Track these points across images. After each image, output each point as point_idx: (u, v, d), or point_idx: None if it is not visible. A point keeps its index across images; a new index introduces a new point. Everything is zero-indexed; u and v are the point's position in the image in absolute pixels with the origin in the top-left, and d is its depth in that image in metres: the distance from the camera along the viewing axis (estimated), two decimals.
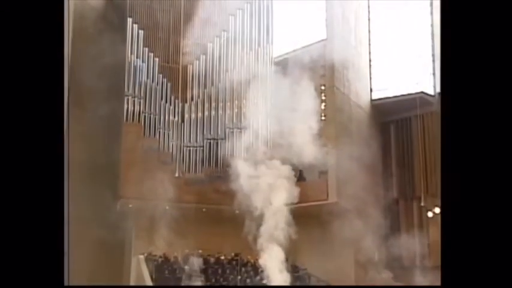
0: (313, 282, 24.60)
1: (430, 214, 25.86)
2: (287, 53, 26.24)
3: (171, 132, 25.22)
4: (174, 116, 25.47)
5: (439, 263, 20.70)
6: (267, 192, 13.40)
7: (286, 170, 17.03)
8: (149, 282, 22.56)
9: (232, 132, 25.24)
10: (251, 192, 13.29)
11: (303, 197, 20.69)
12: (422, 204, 26.07)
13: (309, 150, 22.03)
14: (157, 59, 25.53)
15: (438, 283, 20.84)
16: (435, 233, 26.11)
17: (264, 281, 13.81)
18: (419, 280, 22.89)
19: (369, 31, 28.53)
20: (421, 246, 26.33)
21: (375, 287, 7.55)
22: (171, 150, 25.10)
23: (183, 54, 26.19)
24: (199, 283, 20.67)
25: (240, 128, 25.09)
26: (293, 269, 22.01)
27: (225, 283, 23.45)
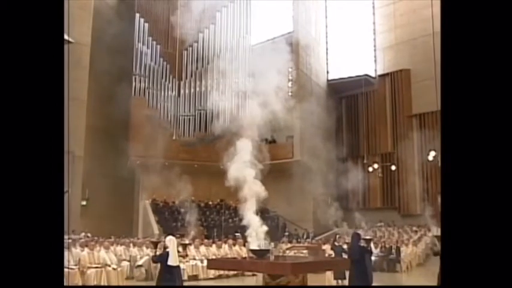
0: (280, 222, 24.67)
1: (370, 169, 26.02)
2: (262, 42, 26.24)
3: (169, 104, 25.41)
4: (172, 91, 25.66)
5: (376, 205, 20.70)
6: (244, 152, 13.09)
7: (261, 134, 16.88)
8: (153, 221, 22.53)
9: (218, 104, 25.34)
10: (233, 152, 13.02)
11: (273, 156, 20.74)
12: (364, 161, 26.18)
13: (278, 119, 21.91)
14: (159, 46, 25.67)
15: (376, 221, 20.72)
16: (373, 183, 26.44)
17: (243, 221, 13.63)
18: (359, 217, 23.11)
19: (326, 25, 28.84)
20: (362, 194, 26.52)
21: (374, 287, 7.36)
22: (169, 119, 25.33)
23: (179, 42, 26.33)
24: (192, 222, 20.57)
25: (225, 101, 25.25)
26: (265, 211, 22.10)
27: (212, 222, 23.49)
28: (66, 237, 15.45)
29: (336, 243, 15.61)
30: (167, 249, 9.15)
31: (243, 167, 12.71)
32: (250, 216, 13.01)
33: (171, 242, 9.29)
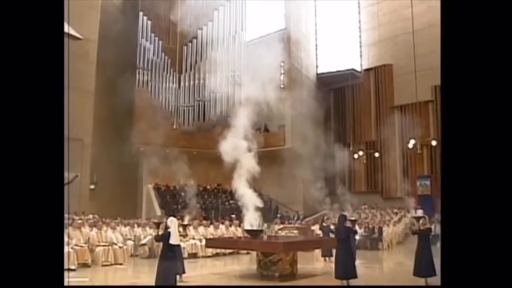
0: (273, 205, 24.74)
1: (355, 156, 26.14)
2: (256, 38, 26.11)
3: (170, 96, 25.31)
4: (173, 84, 25.53)
5: (360, 189, 20.74)
6: (240, 139, 13.12)
7: (255, 123, 16.93)
8: (156, 204, 22.56)
9: (216, 95, 25.34)
10: (229, 139, 13.05)
11: (266, 143, 20.82)
12: (350, 149, 26.28)
13: (271, 110, 21.97)
14: (160, 42, 25.50)
15: (361, 204, 20.70)
16: (358, 169, 26.62)
17: (239, 203, 13.71)
18: (345, 200, 23.24)
19: (316, 23, 28.77)
20: (348, 178, 26.63)
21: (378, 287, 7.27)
22: (170, 109, 25.24)
23: (179, 38, 26.18)
24: (192, 204, 20.62)
25: (221, 93, 25.26)
26: (258, 194, 22.08)
27: (210, 205, 23.54)
28: (76, 217, 15.55)
29: (324, 224, 15.73)
30: (169, 229, 9.18)
31: (238, 146, 12.86)
32: (245, 199, 13.12)
33: (172, 222, 9.32)
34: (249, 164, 12.95)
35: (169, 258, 9.01)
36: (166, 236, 9.12)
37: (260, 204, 13.17)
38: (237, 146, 12.99)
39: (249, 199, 13.06)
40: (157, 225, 9.96)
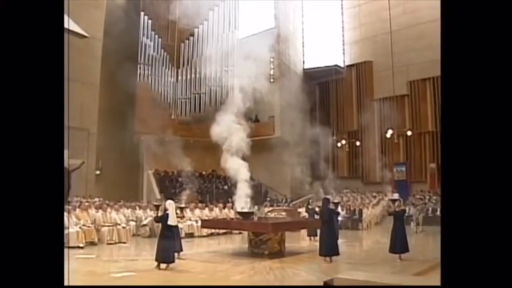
0: (263, 189, 24.80)
1: (339, 144, 26.20)
2: (248, 36, 25.92)
3: (169, 89, 25.14)
4: (171, 78, 25.33)
5: (343, 175, 20.83)
6: (233, 129, 13.11)
7: (247, 113, 16.88)
8: (156, 188, 22.54)
9: (210, 89, 25.24)
10: (223, 129, 13.03)
11: (257, 133, 20.78)
12: (334, 138, 26.34)
13: (262, 101, 21.99)
14: (160, 39, 25.26)
15: (343, 188, 20.77)
16: (341, 156, 26.77)
17: (232, 188, 13.76)
18: (329, 184, 23.38)
19: (302, 22, 28.57)
20: (332, 165, 26.73)
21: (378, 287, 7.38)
22: (169, 101, 25.07)
23: (178, 35, 25.94)
24: (188, 188, 20.62)
25: (216, 86, 25.16)
26: (250, 180, 22.13)
27: (205, 189, 23.56)
28: (84, 200, 15.54)
29: (310, 207, 15.85)
30: (167, 211, 9.24)
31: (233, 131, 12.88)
32: (238, 184, 13.16)
33: (170, 205, 9.39)
34: (240, 152, 12.99)
35: (168, 238, 9.07)
36: (165, 217, 9.19)
37: (251, 188, 13.23)
38: (229, 135, 13.02)
39: (240, 184, 13.12)
40: (157, 207, 10.01)
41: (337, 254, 9.90)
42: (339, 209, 12.62)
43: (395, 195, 11.15)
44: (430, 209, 20.84)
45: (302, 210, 19.73)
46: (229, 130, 13.07)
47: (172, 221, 9.23)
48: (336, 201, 13.02)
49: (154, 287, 5.80)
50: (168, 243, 9.02)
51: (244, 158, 13.14)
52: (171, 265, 8.87)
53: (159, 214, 9.56)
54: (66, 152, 4.31)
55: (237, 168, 13.02)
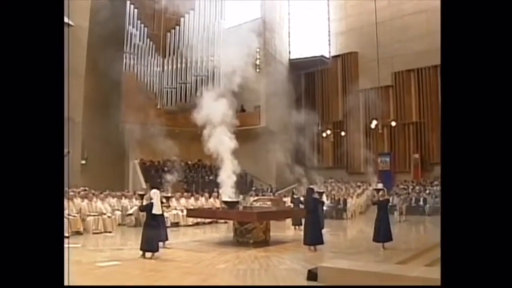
0: (248, 178, 24.83)
1: (324, 134, 26.36)
2: (235, 26, 25.68)
3: (155, 78, 24.91)
4: (157, 67, 25.09)
5: (328, 165, 20.91)
6: (219, 120, 13.07)
7: (233, 104, 16.80)
8: (141, 178, 22.44)
9: (196, 78, 25.08)
10: (208, 119, 12.99)
11: (243, 123, 20.71)
12: (319, 128, 26.47)
13: (248, 91, 21.99)
14: (146, 29, 24.94)
15: (328, 178, 20.82)
16: (326, 146, 26.95)
17: (217, 178, 13.74)
18: (314, 174, 23.52)
19: (289, 13, 28.58)
20: (317, 155, 26.86)
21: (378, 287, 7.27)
22: (155, 90, 24.85)
23: (164, 25, 25.67)
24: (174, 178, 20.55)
25: (202, 76, 25.00)
26: (236, 170, 22.13)
27: (191, 178, 23.53)
28: (69, 190, 15.39)
29: (295, 196, 15.90)
30: (152, 201, 9.23)
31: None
32: (223, 174, 13.16)
33: (155, 194, 9.39)
34: (226, 141, 12.97)
35: (153, 227, 9.07)
36: (150, 206, 9.18)
37: (236, 177, 13.24)
38: (215, 124, 12.99)
39: (226, 173, 13.12)
40: (142, 196, 9.98)
41: (322, 243, 9.98)
42: (324, 198, 12.71)
43: (380, 185, 11.24)
44: (414, 198, 21.09)
45: (287, 199, 19.81)
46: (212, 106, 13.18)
47: (157, 210, 9.22)
48: (320, 190, 13.13)
49: (155, 287, 5.80)
50: (152, 233, 9.02)
51: (230, 133, 13.17)
52: (156, 254, 8.86)
53: (144, 203, 9.53)
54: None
55: (220, 143, 12.99)
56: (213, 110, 13.30)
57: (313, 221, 10.09)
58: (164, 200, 10.82)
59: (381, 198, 10.34)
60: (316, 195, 10.72)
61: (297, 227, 14.43)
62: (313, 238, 9.92)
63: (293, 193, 17.44)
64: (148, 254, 8.81)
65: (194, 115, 13.71)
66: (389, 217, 10.26)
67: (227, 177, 13.12)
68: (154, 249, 8.91)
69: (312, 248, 9.87)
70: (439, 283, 3.49)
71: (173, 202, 15.81)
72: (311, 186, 11.61)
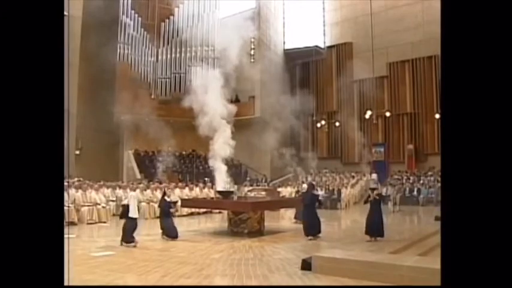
0: (243, 169, 24.83)
1: (318, 125, 26.40)
2: (229, 16, 25.52)
3: (149, 68, 24.79)
4: (151, 57, 24.95)
5: (322, 155, 20.92)
6: (214, 109, 13.04)
7: (227, 93, 16.74)
8: (136, 168, 22.38)
9: (191, 68, 24.94)
10: (203, 109, 12.95)
11: (237, 113, 20.61)
12: (314, 118, 26.50)
13: (242, 81, 21.92)
14: (140, 18, 24.74)
15: (322, 168, 20.90)
16: (320, 137, 27.00)
17: (211, 168, 13.71)
18: (309, 165, 23.58)
19: (283, 3, 28.58)
20: (312, 145, 26.93)
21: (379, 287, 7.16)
22: (149, 81, 24.73)
23: (158, 15, 25.53)
24: (168, 168, 20.52)
25: (196, 66, 24.87)
26: (230, 160, 22.15)
27: (185, 169, 23.49)
28: (64, 180, 15.30)
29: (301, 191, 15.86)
30: (128, 203, 9.33)
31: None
32: (217, 164, 13.14)
33: (132, 198, 9.51)
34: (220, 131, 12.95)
35: (131, 226, 9.20)
36: (126, 209, 9.25)
37: (231, 168, 13.26)
38: (210, 115, 12.96)
39: (220, 164, 13.12)
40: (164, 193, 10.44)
41: (319, 232, 10.34)
42: (318, 191, 12.76)
43: (374, 176, 11.29)
44: (407, 189, 21.19)
45: (281, 189, 19.86)
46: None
47: (133, 213, 9.26)
48: (313, 182, 13.17)
49: (155, 287, 5.80)
50: (129, 226, 9.22)
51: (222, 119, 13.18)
52: (151, 243, 8.89)
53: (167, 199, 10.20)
54: None
55: (213, 132, 13.00)
56: (207, 100, 13.27)
57: (311, 215, 10.45)
58: (172, 205, 10.97)
59: (376, 197, 10.26)
60: (316, 192, 10.85)
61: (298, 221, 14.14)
62: (313, 229, 10.26)
63: (300, 187, 17.23)
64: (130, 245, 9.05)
65: (188, 105, 13.69)
66: (382, 212, 10.24)
67: (221, 167, 13.12)
68: (130, 240, 9.12)
69: (310, 237, 10.13)
70: (432, 273, 3.46)
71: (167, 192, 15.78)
72: (312, 182, 11.67)
